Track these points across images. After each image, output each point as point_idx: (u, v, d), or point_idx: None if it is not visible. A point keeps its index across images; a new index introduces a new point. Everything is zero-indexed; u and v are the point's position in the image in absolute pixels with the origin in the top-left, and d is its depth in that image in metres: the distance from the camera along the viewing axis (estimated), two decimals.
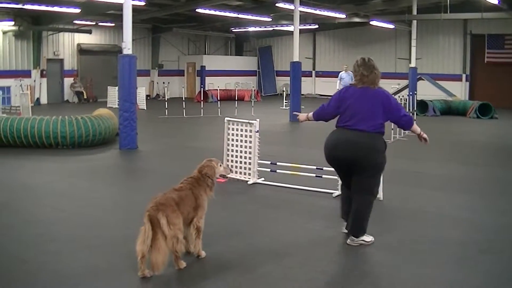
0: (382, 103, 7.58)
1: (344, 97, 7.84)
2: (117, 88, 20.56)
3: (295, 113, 9.36)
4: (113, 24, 33.94)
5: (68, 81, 34.67)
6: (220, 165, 7.32)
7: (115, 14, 28.80)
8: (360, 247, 7.60)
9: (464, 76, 36.88)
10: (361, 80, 7.69)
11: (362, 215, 7.66)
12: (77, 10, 27.02)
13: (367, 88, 7.64)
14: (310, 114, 8.74)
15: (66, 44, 34.93)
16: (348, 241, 7.75)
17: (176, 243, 6.48)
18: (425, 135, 8.10)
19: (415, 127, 8.05)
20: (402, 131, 18.90)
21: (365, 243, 7.70)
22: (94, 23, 33.57)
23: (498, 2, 26.58)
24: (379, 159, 7.61)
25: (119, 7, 17.21)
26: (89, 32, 34.96)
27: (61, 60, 34.76)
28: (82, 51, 35.49)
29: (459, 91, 35.30)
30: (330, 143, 7.86)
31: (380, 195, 10.19)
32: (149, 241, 6.31)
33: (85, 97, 34.40)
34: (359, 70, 7.71)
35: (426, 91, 31.79)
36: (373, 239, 7.78)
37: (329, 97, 8.22)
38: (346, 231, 7.94)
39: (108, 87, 31.36)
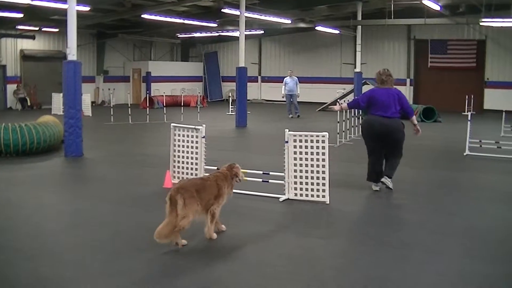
0: (397, 97, 11.28)
1: (374, 95, 11.34)
2: (61, 94, 20.31)
3: (330, 107, 13.46)
4: (57, 30, 33.47)
5: (11, 87, 33.98)
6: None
7: (59, 19, 28.41)
8: (308, 251, 7.67)
9: (408, 80, 37.44)
10: (383, 83, 11.43)
11: (396, 165, 11.51)
12: (20, 15, 26.63)
13: (388, 88, 11.36)
14: (344, 104, 12.71)
15: (9, 50, 34.32)
16: (383, 180, 11.41)
17: (184, 220, 7.48)
18: (418, 127, 11.87)
19: (414, 118, 11.72)
20: (348, 135, 19.30)
21: (390, 181, 11.44)
22: (37, 29, 33.12)
23: (441, 8, 27.10)
24: (402, 133, 11.32)
25: (63, 12, 17.02)
26: (33, 37, 34.51)
27: (4, 66, 34.09)
28: (26, 57, 34.92)
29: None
30: (371, 125, 11.38)
31: (327, 199, 10.29)
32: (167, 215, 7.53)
33: (29, 104, 33.85)
34: (381, 76, 11.49)
35: None
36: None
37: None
38: (377, 188, 11.56)
39: (53, 93, 30.85)
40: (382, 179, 11.40)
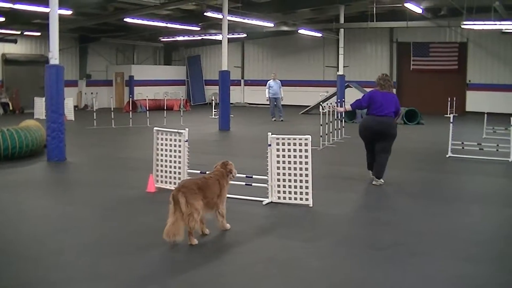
0: (393, 100, 12.77)
1: (374, 96, 12.76)
2: (44, 99, 20.21)
3: (336, 108, 16.91)
4: (39, 34, 33.26)
5: None
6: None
7: (42, 23, 28.32)
8: (291, 254, 7.69)
9: None
10: (383, 87, 12.83)
11: (383, 165, 12.62)
12: (2, 19, 26.49)
13: (386, 92, 12.79)
14: (348, 106, 14.39)
15: None
16: (374, 182, 12.63)
17: (191, 220, 7.85)
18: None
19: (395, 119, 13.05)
20: (331, 137, 19.37)
21: (382, 183, 12.56)
22: (19, 33, 32.84)
23: (422, 11, 27.20)
24: (395, 132, 12.67)
25: (45, 16, 16.94)
26: (15, 41, 34.30)
27: None
28: (7, 61, 34.67)
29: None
30: (368, 123, 12.77)
31: (310, 201, 10.30)
32: (171, 214, 7.87)
33: (11, 108, 33.54)
34: (380, 81, 12.91)
35: (354, 98, 31.93)
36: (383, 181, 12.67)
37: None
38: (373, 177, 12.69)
39: (35, 98, 30.69)
40: (373, 182, 12.69)
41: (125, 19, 28.51)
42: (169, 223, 7.82)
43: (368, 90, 31.11)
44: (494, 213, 10.39)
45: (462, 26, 28.56)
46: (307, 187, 10.34)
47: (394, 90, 36.06)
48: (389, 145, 12.73)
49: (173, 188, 11.34)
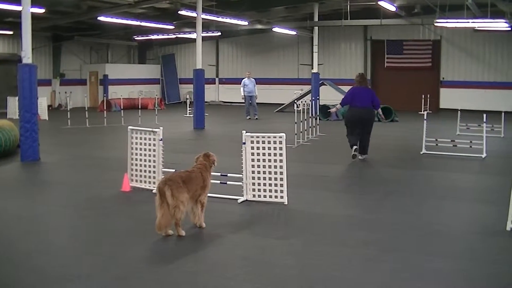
0: (370, 93, 15.62)
1: (355, 91, 15.52)
2: (17, 98, 20.07)
3: (329, 110, 21.40)
4: (11, 32, 32.98)
5: None
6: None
7: (14, 22, 28.05)
8: (266, 252, 7.72)
9: None
10: (361, 83, 15.74)
11: (367, 144, 15.63)
12: None
13: (364, 87, 15.77)
14: (338, 105, 16.51)
15: None
16: (360, 157, 15.55)
17: (177, 212, 8.13)
18: (383, 116, 17.58)
19: (379, 110, 16.16)
20: (306, 136, 19.41)
21: (367, 156, 15.71)
22: None
23: (396, 9, 27.35)
24: (373, 118, 15.83)
25: (18, 14, 16.81)
26: None
27: None
28: None
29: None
30: (353, 114, 15.48)
31: (285, 199, 10.32)
32: (158, 207, 8.15)
33: None
34: (359, 79, 15.79)
35: (329, 96, 32.23)
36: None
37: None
38: (356, 153, 15.37)
39: (8, 97, 30.43)
40: (359, 157, 15.53)
41: (98, 18, 28.36)
42: (158, 216, 8.11)
43: (342, 87, 31.67)
44: (466, 209, 10.49)
45: (435, 24, 28.75)
46: (282, 185, 10.36)
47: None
48: (370, 129, 15.61)
49: (148, 188, 11.40)
